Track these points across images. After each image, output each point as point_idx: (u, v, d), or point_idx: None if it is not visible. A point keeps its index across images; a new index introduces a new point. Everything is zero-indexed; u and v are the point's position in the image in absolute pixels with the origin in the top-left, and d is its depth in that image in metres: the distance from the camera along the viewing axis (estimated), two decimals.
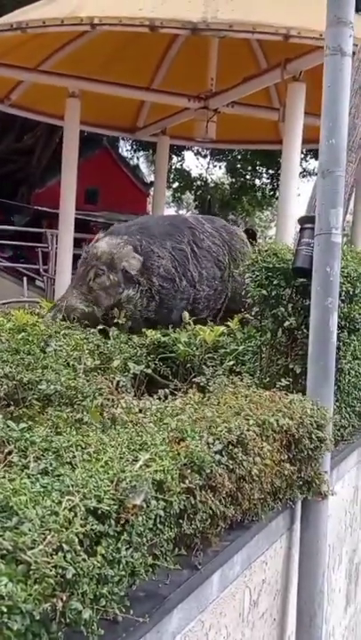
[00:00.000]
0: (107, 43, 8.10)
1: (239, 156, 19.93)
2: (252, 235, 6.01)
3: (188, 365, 3.72)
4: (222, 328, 3.88)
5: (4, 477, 1.41)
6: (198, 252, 4.90)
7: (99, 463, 1.50)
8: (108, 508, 1.39)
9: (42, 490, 1.36)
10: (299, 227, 3.25)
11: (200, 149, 19.18)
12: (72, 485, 1.38)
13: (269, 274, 3.23)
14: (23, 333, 3.19)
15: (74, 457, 1.59)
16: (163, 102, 8.81)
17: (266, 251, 3.32)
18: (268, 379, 3.22)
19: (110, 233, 4.67)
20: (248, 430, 2.12)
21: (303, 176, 19.47)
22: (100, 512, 1.38)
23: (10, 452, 1.64)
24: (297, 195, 6.99)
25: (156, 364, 3.52)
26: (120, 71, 8.53)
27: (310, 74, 6.41)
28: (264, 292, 3.24)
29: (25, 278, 10.68)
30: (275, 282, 3.22)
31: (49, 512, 1.29)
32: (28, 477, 1.44)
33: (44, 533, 1.23)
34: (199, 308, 4.80)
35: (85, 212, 13.20)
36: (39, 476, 1.46)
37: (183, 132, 9.47)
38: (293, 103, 6.65)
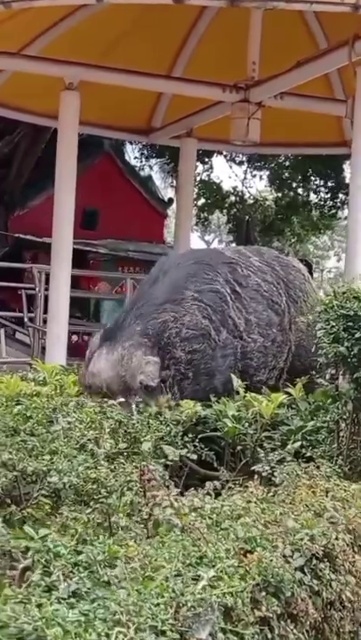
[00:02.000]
0: (114, 19, 8.38)
1: (287, 163, 20.14)
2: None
3: (239, 448, 3.76)
4: (282, 396, 3.92)
5: (28, 602, 1.45)
6: (242, 293, 4.90)
7: (153, 583, 1.54)
8: None
9: (82, 618, 1.40)
10: None
11: (234, 154, 19.45)
12: (121, 612, 1.41)
13: (349, 324, 3.29)
14: (19, 407, 3.25)
15: (114, 575, 1.63)
16: (188, 94, 9.02)
17: (343, 293, 3.38)
18: (350, 466, 3.25)
19: (105, 344, 4.54)
20: (336, 539, 2.14)
21: None
22: None
23: (27, 568, 1.69)
24: None
25: (195, 447, 3.55)
26: (131, 55, 8.79)
27: None
28: (342, 348, 3.29)
29: (2, 330, 10.79)
30: (356, 335, 3.27)
31: None
32: (59, 602, 1.48)
33: None
34: (253, 365, 4.78)
35: (82, 240, 13.37)
36: (73, 600, 1.49)
37: (216, 132, 9.69)
38: None
